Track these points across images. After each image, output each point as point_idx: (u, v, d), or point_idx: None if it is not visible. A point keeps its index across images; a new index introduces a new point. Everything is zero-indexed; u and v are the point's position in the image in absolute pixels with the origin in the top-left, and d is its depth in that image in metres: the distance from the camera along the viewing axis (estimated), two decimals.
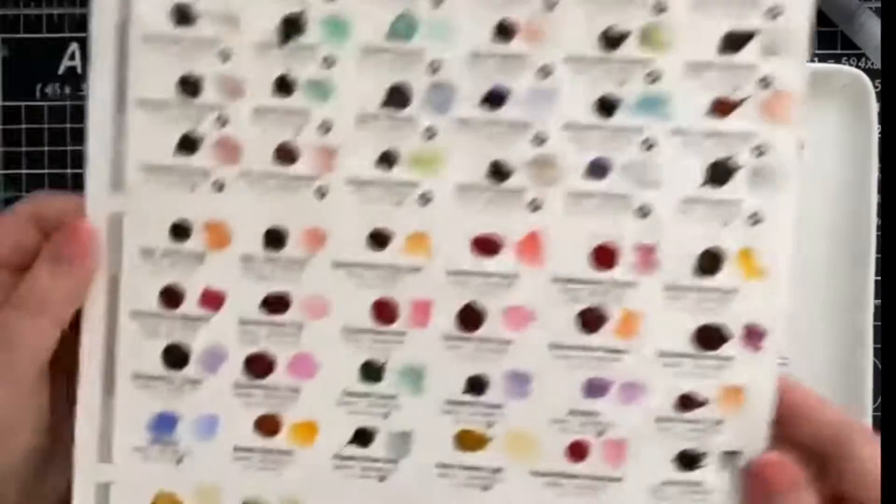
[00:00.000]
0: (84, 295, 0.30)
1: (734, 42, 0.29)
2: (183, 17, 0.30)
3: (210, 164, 0.30)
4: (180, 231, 0.31)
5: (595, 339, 0.30)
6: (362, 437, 0.31)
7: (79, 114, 0.40)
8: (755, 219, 0.30)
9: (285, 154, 0.30)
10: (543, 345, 0.30)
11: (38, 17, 0.39)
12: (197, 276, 0.31)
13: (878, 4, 0.33)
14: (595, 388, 0.30)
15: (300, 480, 0.31)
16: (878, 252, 0.35)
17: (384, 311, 0.31)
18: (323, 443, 0.31)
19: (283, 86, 0.30)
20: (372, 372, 0.31)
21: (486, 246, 0.30)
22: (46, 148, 0.40)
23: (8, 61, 0.39)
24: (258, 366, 0.31)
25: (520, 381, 0.31)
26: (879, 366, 0.32)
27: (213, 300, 0.31)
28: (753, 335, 0.30)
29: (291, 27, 0.30)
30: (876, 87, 0.37)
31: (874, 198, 0.36)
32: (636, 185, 0.30)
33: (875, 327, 0.31)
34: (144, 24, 0.30)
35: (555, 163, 0.30)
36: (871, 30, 0.30)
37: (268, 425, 0.31)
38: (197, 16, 0.30)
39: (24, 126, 0.40)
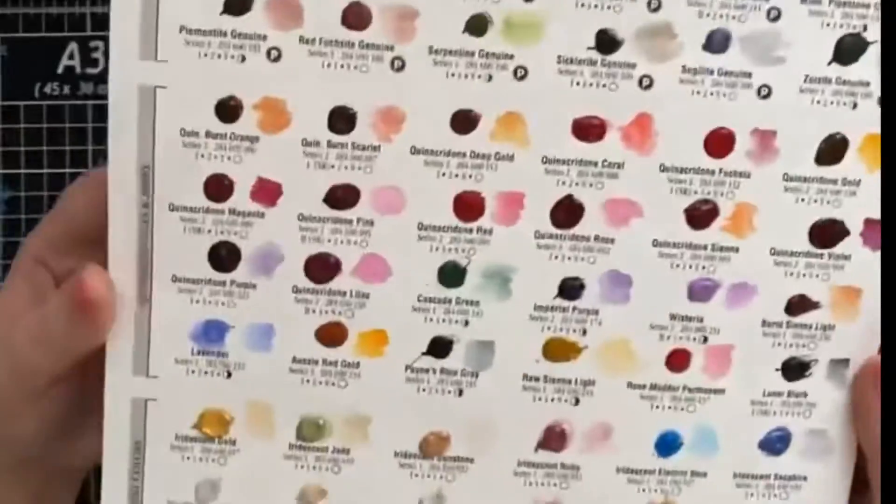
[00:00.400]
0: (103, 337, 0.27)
1: None
2: None
3: (264, 29, 0.25)
4: (228, 110, 0.26)
5: (704, 235, 0.27)
6: (438, 347, 0.27)
7: (78, 113, 0.38)
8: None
9: (355, 17, 0.25)
10: (647, 242, 0.27)
11: (37, 17, 0.38)
12: (249, 165, 0.26)
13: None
14: (701, 291, 0.27)
15: (367, 395, 0.27)
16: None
17: (468, 206, 0.26)
18: (394, 354, 0.27)
19: None
20: (452, 275, 0.27)
21: (589, 129, 0.26)
22: (45, 147, 0.39)
23: (6, 60, 0.39)
24: (321, 268, 0.27)
25: (619, 284, 0.27)
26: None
27: (268, 193, 0.26)
28: (873, 231, 0.27)
29: None
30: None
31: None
32: (758, 61, 0.26)
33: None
34: None
35: (671, 32, 0.26)
36: None
37: (331, 335, 0.27)
38: None
39: (22, 125, 0.39)
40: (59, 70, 0.38)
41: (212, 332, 0.27)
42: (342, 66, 0.25)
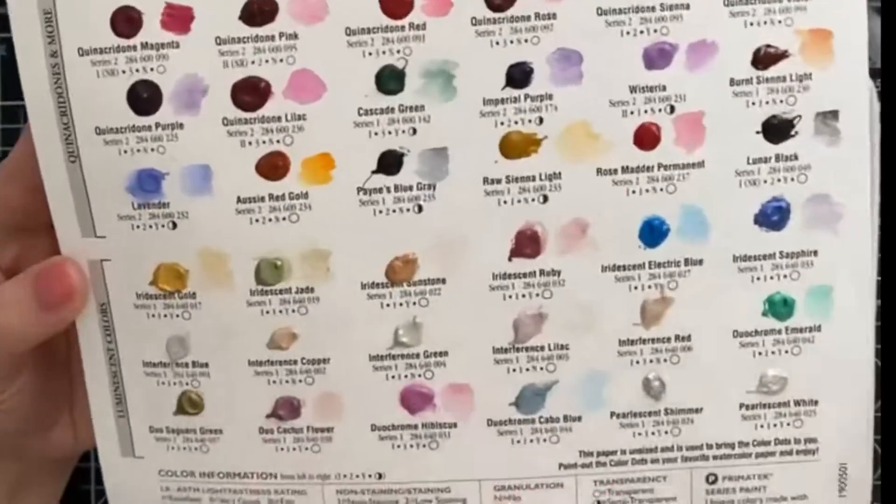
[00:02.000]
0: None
1: None
2: None
3: None
4: None
5: None
6: (388, 162, 0.25)
7: None
8: None
9: None
10: (591, 11, 0.25)
11: None
12: None
13: (878, 4, 0.28)
14: (658, 56, 0.25)
15: (321, 226, 0.26)
16: (878, 252, 0.30)
17: (397, 1, 0.25)
18: (342, 177, 0.25)
19: None
20: (390, 80, 0.25)
21: None
22: None
23: (6, 60, 0.38)
24: (250, 94, 0.25)
25: (569, 62, 0.25)
26: (879, 365, 0.29)
27: (179, 19, 0.24)
28: None
29: None
30: (876, 87, 0.32)
31: (875, 198, 0.31)
32: None
33: (875, 327, 0.28)
34: None
35: None
36: (871, 29, 0.26)
37: (273, 166, 0.25)
38: None
39: (22, 126, 0.38)
40: None
41: (147, 182, 0.25)
42: None
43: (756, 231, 0.26)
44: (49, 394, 0.28)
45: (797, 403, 0.27)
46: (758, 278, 0.26)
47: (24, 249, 0.27)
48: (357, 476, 0.27)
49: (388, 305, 0.26)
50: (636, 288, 0.26)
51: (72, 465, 0.31)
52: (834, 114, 0.26)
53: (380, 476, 0.26)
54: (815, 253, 0.26)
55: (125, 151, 0.25)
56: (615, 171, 0.26)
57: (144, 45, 0.24)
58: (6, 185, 0.27)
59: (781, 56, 0.25)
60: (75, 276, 0.25)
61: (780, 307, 0.27)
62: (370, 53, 0.25)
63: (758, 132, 0.26)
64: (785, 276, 0.26)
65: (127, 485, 0.28)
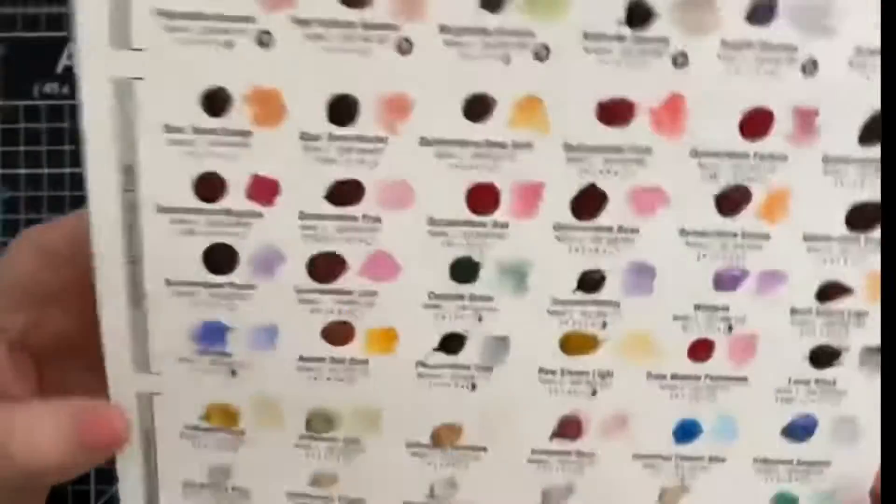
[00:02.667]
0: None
1: None
2: None
3: (252, 9, 0.22)
4: (216, 101, 0.23)
5: (734, 223, 0.25)
6: (451, 343, 0.26)
7: (77, 113, 0.36)
8: None
9: None
10: (674, 232, 0.25)
11: (36, 16, 0.39)
12: (242, 161, 0.24)
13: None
14: (728, 280, 0.26)
15: (377, 390, 0.26)
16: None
17: (482, 199, 0.24)
18: (404, 350, 0.26)
19: None
20: (465, 270, 0.25)
21: (616, 112, 0.24)
22: (45, 147, 0.40)
23: (6, 60, 0.39)
24: (325, 268, 0.25)
25: (642, 276, 0.25)
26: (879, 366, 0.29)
27: (265, 191, 0.24)
28: None
29: None
30: None
31: None
32: (805, 31, 0.23)
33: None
34: None
35: (710, 4, 0.23)
36: None
37: (338, 334, 0.26)
38: None
39: (22, 125, 0.39)
40: (59, 70, 0.39)
41: (213, 334, 0.25)
42: (342, 50, 0.23)
43: (782, 441, 0.28)
44: None
45: None
46: (771, 479, 0.28)
47: (35, 320, 0.28)
48: None
49: (429, 464, 0.27)
50: (660, 475, 0.28)
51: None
52: (878, 350, 0.27)
53: None
54: (829, 464, 0.28)
55: (194, 304, 0.25)
56: (665, 376, 0.27)
57: (227, 212, 0.24)
58: (40, 255, 0.27)
59: (846, 292, 0.26)
60: (121, 424, 0.26)
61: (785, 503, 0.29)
62: (449, 244, 0.25)
63: (805, 357, 0.27)
64: (796, 479, 0.28)
65: None
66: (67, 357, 0.29)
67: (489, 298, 0.25)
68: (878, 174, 0.25)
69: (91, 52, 0.22)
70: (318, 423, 0.27)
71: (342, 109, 0.23)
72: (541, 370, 0.26)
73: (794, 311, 0.26)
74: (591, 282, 0.25)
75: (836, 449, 0.28)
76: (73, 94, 0.35)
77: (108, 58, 0.22)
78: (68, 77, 0.39)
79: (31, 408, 0.26)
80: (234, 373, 0.26)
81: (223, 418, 0.26)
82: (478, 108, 0.23)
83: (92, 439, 0.25)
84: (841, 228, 0.25)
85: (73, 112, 0.24)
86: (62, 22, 0.38)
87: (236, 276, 0.25)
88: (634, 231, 0.25)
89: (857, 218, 0.25)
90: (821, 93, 0.24)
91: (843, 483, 0.28)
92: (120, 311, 0.25)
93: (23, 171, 0.39)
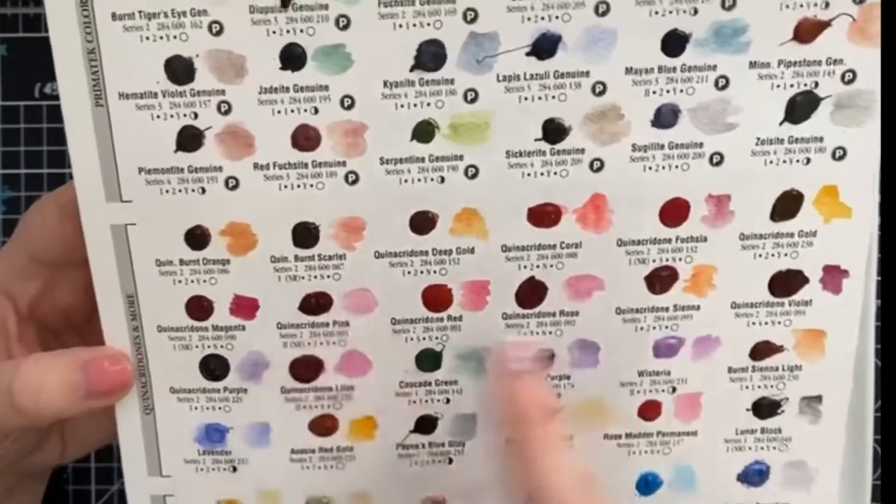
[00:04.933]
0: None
1: None
2: None
3: (218, 161, 0.26)
4: (197, 238, 0.27)
5: (665, 298, 0.28)
6: (424, 424, 0.29)
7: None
8: (839, 154, 0.27)
9: (305, 139, 0.26)
10: (611, 311, 0.28)
11: (37, 17, 0.38)
12: (224, 285, 0.27)
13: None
14: (666, 348, 0.29)
15: (364, 474, 0.30)
16: (878, 252, 0.33)
17: (436, 298, 0.28)
18: (384, 435, 0.29)
19: (292, 58, 0.25)
20: (429, 360, 0.28)
21: (544, 216, 0.27)
22: (45, 148, 0.39)
23: (6, 60, 0.38)
24: (305, 369, 0.28)
25: (587, 351, 0.28)
26: (879, 365, 0.31)
27: (245, 308, 0.28)
28: (833, 277, 0.28)
29: None
30: None
31: (875, 197, 0.33)
32: (708, 130, 0.26)
33: (875, 327, 0.30)
34: (112, 1, 0.24)
35: (617, 114, 0.26)
36: None
37: (323, 426, 0.29)
38: None
39: (22, 126, 0.39)
40: None
41: (213, 434, 0.29)
42: (298, 186, 0.26)
43: (738, 486, 0.30)
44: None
45: None
46: None
47: (45, 289, 0.29)
48: None
49: None
50: None
51: (50, 470, 0.34)
52: (818, 398, 0.29)
53: None
54: None
55: (195, 408, 0.29)
56: (620, 436, 0.29)
57: (215, 328, 0.28)
58: (63, 219, 0.28)
59: (778, 350, 0.29)
60: (127, 370, 0.28)
61: None
62: (412, 339, 0.28)
63: (748, 409, 0.29)
64: None
65: None
66: (68, 332, 0.31)
67: (454, 382, 0.29)
68: (795, 246, 0.28)
69: (90, 205, 0.26)
70: None
71: (304, 234, 0.27)
72: (507, 440, 0.29)
73: (731, 370, 0.29)
74: (541, 360, 0.28)
75: (791, 492, 0.30)
76: None
77: (105, 210, 0.26)
78: None
79: (36, 357, 0.27)
80: (234, 469, 0.29)
81: None
82: (422, 222, 0.27)
83: (97, 384, 0.27)
84: (765, 295, 0.28)
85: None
86: None
87: (229, 382, 0.28)
88: (574, 314, 0.28)
89: (779, 285, 0.28)
90: (730, 179, 0.27)
91: None
92: (133, 418, 0.29)
93: (23, 171, 0.39)
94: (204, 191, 0.26)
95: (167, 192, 0.26)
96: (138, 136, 0.25)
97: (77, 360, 0.27)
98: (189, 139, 0.26)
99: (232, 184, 0.26)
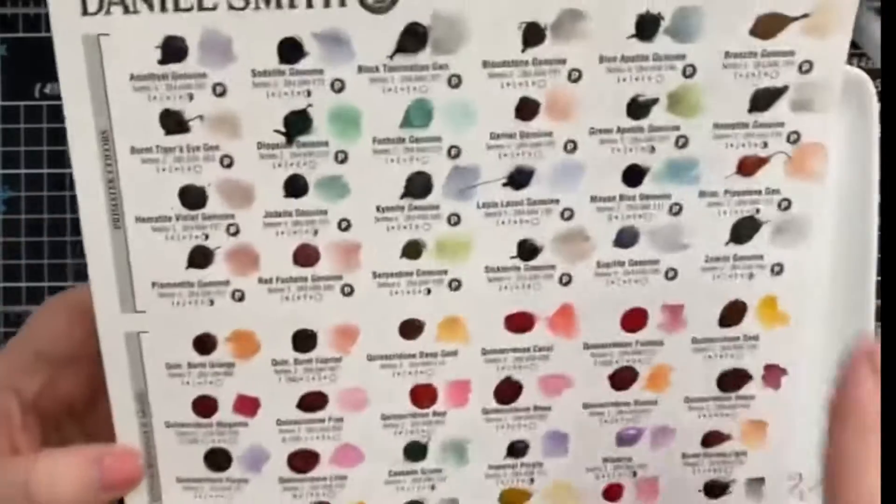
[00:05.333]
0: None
1: (764, 99, 0.28)
2: (175, 124, 0.27)
3: (226, 276, 0.29)
4: (205, 344, 0.30)
5: (626, 395, 0.31)
6: None
7: None
8: (777, 269, 0.30)
9: (305, 256, 0.29)
10: (578, 406, 0.31)
11: (37, 17, 0.38)
12: (228, 386, 0.30)
13: (878, 4, 0.31)
14: (627, 438, 0.32)
15: None
16: (878, 252, 0.36)
17: (423, 396, 0.31)
18: None
19: (295, 188, 0.28)
20: (416, 452, 0.31)
21: (519, 323, 0.30)
22: (45, 148, 0.39)
23: (7, 61, 0.38)
24: (302, 461, 0.31)
25: (558, 441, 0.32)
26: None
27: (247, 406, 0.30)
28: (773, 375, 0.32)
29: (297, 125, 0.27)
30: (876, 87, 0.36)
31: (875, 198, 0.36)
32: (664, 249, 0.30)
33: (875, 327, 0.33)
34: (131, 136, 0.27)
35: (583, 236, 0.29)
36: (871, 30, 0.29)
37: None
38: (190, 122, 0.27)
39: (22, 126, 0.39)
40: None
41: None
42: (299, 298, 0.29)
43: None
44: None
45: None
46: None
47: (49, 383, 0.31)
48: None
49: None
50: None
51: None
52: (761, 480, 0.33)
53: None
54: None
55: (199, 496, 0.31)
56: None
57: (220, 424, 0.30)
58: (72, 321, 0.30)
59: (726, 438, 0.32)
60: (137, 465, 0.30)
61: None
62: (400, 432, 0.31)
63: (699, 491, 0.33)
64: None
65: None
66: (69, 421, 0.32)
67: (439, 471, 0.32)
68: (740, 349, 0.31)
69: (106, 315, 0.29)
70: None
71: (303, 340, 0.30)
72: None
73: (685, 456, 0.32)
74: (517, 450, 0.32)
75: None
76: None
77: (120, 319, 0.29)
78: None
79: (51, 453, 0.29)
80: None
81: None
82: (410, 329, 0.30)
83: (111, 478, 0.29)
84: (714, 391, 0.32)
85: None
86: None
87: (231, 473, 0.31)
88: (546, 409, 0.31)
89: (727, 382, 0.32)
90: (682, 292, 0.30)
91: None
92: None
93: (23, 171, 0.39)
94: (213, 302, 0.29)
95: (178, 303, 0.29)
96: (153, 254, 0.28)
97: (92, 456, 0.29)
98: (199, 257, 0.28)
99: (238, 296, 0.29)
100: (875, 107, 0.36)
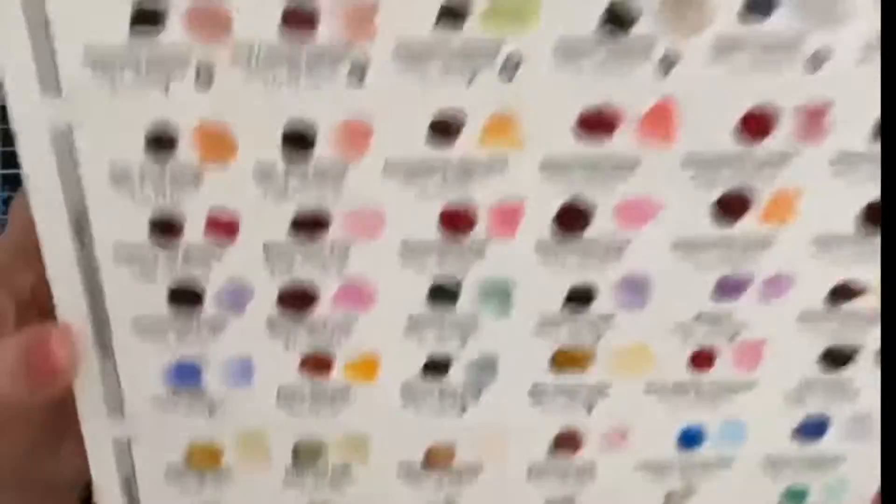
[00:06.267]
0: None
1: None
2: None
3: (187, 38, 0.20)
4: (161, 139, 0.21)
5: (735, 229, 0.23)
6: (435, 367, 0.25)
7: None
8: None
9: (299, 20, 0.20)
10: (667, 242, 0.23)
11: None
12: (196, 199, 0.22)
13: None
14: (730, 288, 0.24)
15: (363, 418, 0.26)
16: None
17: (457, 222, 0.23)
18: (386, 378, 0.25)
19: None
20: (444, 295, 0.24)
21: (598, 123, 0.22)
22: None
23: None
24: (295, 300, 0.24)
25: (635, 290, 0.24)
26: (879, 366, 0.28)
27: (223, 226, 0.23)
28: None
29: None
30: None
31: None
32: (814, 20, 0.21)
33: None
34: None
35: None
36: None
37: (316, 366, 0.25)
38: None
39: None
40: None
41: (185, 374, 0.25)
42: (290, 77, 0.21)
43: (792, 441, 0.27)
44: (54, 413, 0.27)
45: None
46: (782, 478, 0.27)
47: (43, 276, 0.26)
48: None
49: (422, 489, 0.27)
50: (664, 482, 0.27)
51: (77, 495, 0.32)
52: None
53: None
54: (845, 459, 0.27)
55: (163, 345, 0.24)
56: (665, 388, 0.25)
57: (185, 252, 0.23)
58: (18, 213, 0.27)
59: (860, 293, 0.24)
60: (64, 353, 0.24)
61: (796, 497, 0.28)
62: (425, 269, 0.23)
63: (817, 360, 0.25)
64: (807, 475, 0.27)
65: None
66: None
67: (472, 320, 0.24)
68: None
69: (21, 100, 0.21)
70: (306, 454, 0.26)
71: (297, 137, 0.21)
72: (532, 389, 0.25)
73: (803, 315, 0.25)
74: (580, 297, 0.24)
75: (850, 445, 0.27)
76: None
77: (40, 105, 0.21)
78: None
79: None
80: (212, 411, 0.25)
81: (206, 459, 0.26)
82: (444, 130, 0.22)
83: (38, 367, 0.24)
84: (853, 228, 0.23)
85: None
86: None
87: (204, 315, 0.24)
88: (624, 244, 0.23)
89: (872, 217, 0.23)
90: (827, 88, 0.22)
91: (855, 475, 0.27)
92: (90, 360, 0.24)
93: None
94: (167, 83, 0.21)
95: (121, 86, 0.21)
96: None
97: (24, 343, 0.24)
98: (147, 16, 0.20)
99: (207, 70, 0.21)
100: None
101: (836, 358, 0.25)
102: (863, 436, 0.27)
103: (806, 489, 0.28)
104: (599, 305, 0.24)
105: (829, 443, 0.27)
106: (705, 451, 0.27)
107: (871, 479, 0.27)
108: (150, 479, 0.26)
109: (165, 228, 0.23)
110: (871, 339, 0.25)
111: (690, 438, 0.26)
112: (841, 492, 0.28)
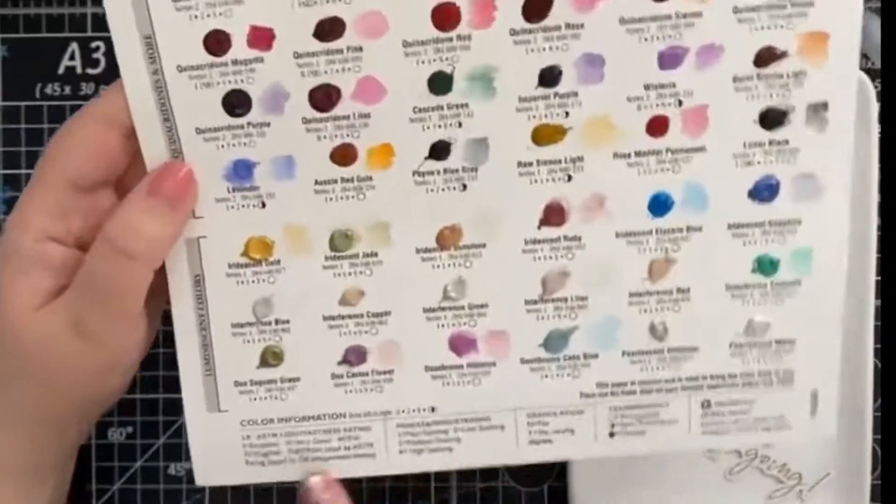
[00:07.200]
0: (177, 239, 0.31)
1: None
2: None
3: None
4: None
5: (667, 6, 0.29)
6: (438, 150, 0.31)
7: None
8: None
9: None
10: (614, 21, 0.30)
11: (38, 17, 0.39)
12: (239, 16, 0.29)
13: (878, 4, 0.30)
14: (670, 58, 0.30)
15: (383, 203, 0.32)
16: (878, 252, 0.36)
17: (445, 16, 0.30)
18: (400, 162, 0.31)
19: None
20: (441, 83, 0.30)
21: None
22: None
23: (7, 61, 0.39)
24: (323, 98, 0.30)
25: (593, 65, 0.30)
26: (879, 366, 0.32)
27: (261, 38, 0.30)
28: None
29: None
30: (876, 87, 0.36)
31: (875, 198, 0.36)
32: None
33: (875, 327, 0.31)
34: None
35: None
36: (871, 30, 0.28)
37: (343, 155, 0.31)
38: None
39: (23, 126, 0.40)
40: (60, 70, 0.40)
41: (241, 171, 0.31)
42: None
43: (750, 204, 0.32)
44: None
45: (778, 343, 0.33)
46: (749, 242, 0.32)
47: (88, 216, 0.31)
48: (414, 410, 0.33)
49: (438, 266, 0.32)
50: (644, 251, 0.32)
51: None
52: (824, 105, 0.30)
53: (432, 409, 0.33)
54: (799, 221, 0.32)
55: (222, 146, 0.31)
56: (629, 154, 0.31)
57: (234, 62, 0.30)
58: (108, 133, 0.30)
59: (780, 56, 0.30)
60: (190, 172, 0.30)
61: (766, 266, 0.32)
62: (423, 62, 0.30)
63: (755, 121, 0.31)
64: (772, 241, 0.32)
65: (210, 438, 0.33)
66: None
67: (465, 105, 0.30)
68: None
69: None
70: (340, 242, 0.32)
71: None
72: (519, 163, 0.31)
73: (736, 79, 0.30)
74: (549, 77, 0.30)
75: (802, 206, 0.32)
76: (74, 95, 0.40)
77: None
78: (70, 78, 0.40)
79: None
80: (263, 205, 0.31)
81: (261, 250, 0.32)
82: None
83: (158, 190, 0.30)
84: None
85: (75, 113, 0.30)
86: (63, 23, 0.39)
87: (252, 117, 0.30)
88: (580, 26, 0.30)
89: None
90: None
91: (817, 242, 0.32)
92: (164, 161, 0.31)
93: (24, 171, 0.40)
94: None
95: None
96: None
97: (145, 188, 0.30)
98: None
99: None
100: (875, 107, 0.36)
101: (772, 119, 0.31)
102: (810, 196, 0.31)
103: (776, 259, 0.32)
104: (565, 84, 0.30)
105: (782, 203, 0.32)
106: (674, 218, 0.32)
107: (830, 246, 0.32)
108: (215, 275, 0.32)
109: (215, 44, 0.30)
110: (799, 100, 0.31)
111: (660, 205, 0.32)
112: (807, 261, 0.32)
